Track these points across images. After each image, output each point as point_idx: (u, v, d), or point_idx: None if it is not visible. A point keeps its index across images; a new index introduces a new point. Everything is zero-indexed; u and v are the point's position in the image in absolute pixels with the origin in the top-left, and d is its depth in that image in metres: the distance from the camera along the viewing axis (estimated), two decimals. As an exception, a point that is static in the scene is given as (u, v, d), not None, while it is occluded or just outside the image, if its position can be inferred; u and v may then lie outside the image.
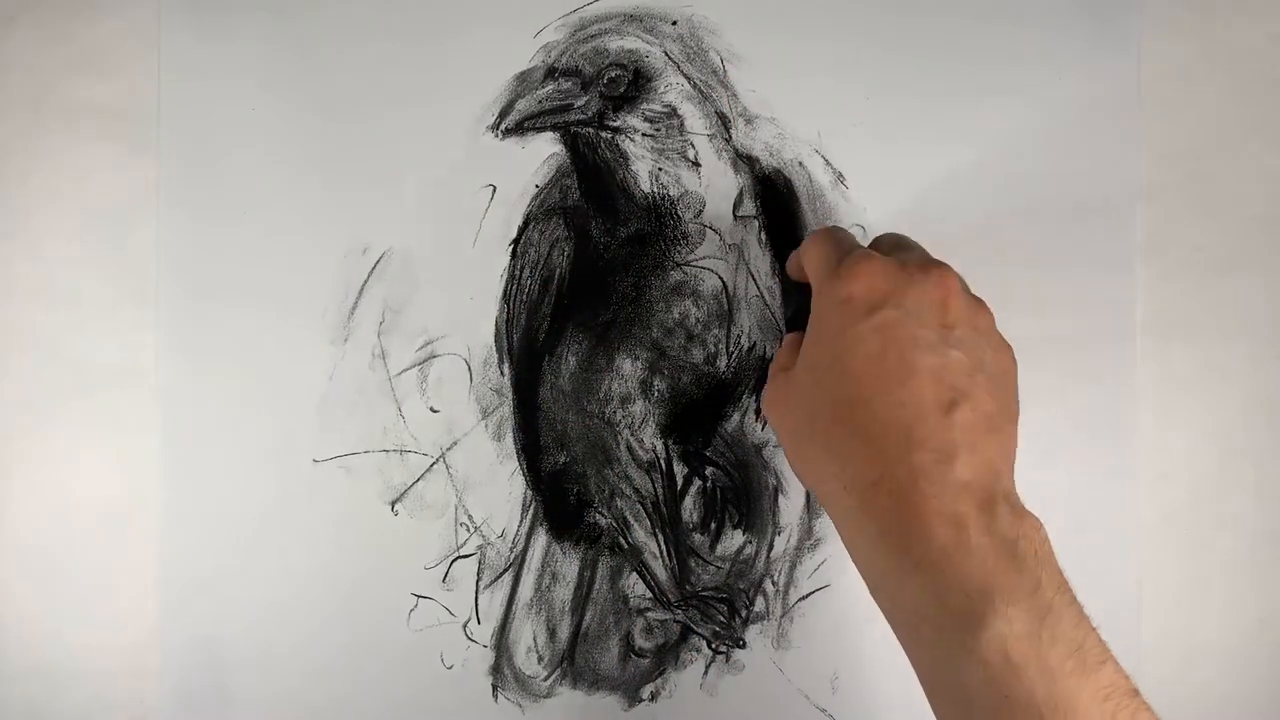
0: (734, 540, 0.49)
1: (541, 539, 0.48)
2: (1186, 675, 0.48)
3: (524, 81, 0.48)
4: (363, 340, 0.48)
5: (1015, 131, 0.48)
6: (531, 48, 0.48)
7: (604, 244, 0.48)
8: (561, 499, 0.48)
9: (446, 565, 0.48)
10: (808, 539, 0.48)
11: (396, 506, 0.48)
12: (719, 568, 0.49)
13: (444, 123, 0.48)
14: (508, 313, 0.48)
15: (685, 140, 0.47)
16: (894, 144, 0.48)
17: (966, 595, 0.34)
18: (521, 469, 0.48)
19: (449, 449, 0.48)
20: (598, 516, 0.49)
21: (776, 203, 0.48)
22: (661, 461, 0.48)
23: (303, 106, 0.48)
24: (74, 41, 0.49)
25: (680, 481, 0.49)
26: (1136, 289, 0.49)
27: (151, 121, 0.48)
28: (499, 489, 0.48)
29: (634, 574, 0.49)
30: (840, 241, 0.42)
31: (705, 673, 0.48)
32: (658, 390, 0.48)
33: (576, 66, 0.47)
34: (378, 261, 0.48)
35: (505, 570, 0.48)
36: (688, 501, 0.49)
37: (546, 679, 0.48)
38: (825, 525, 0.48)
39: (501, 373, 0.48)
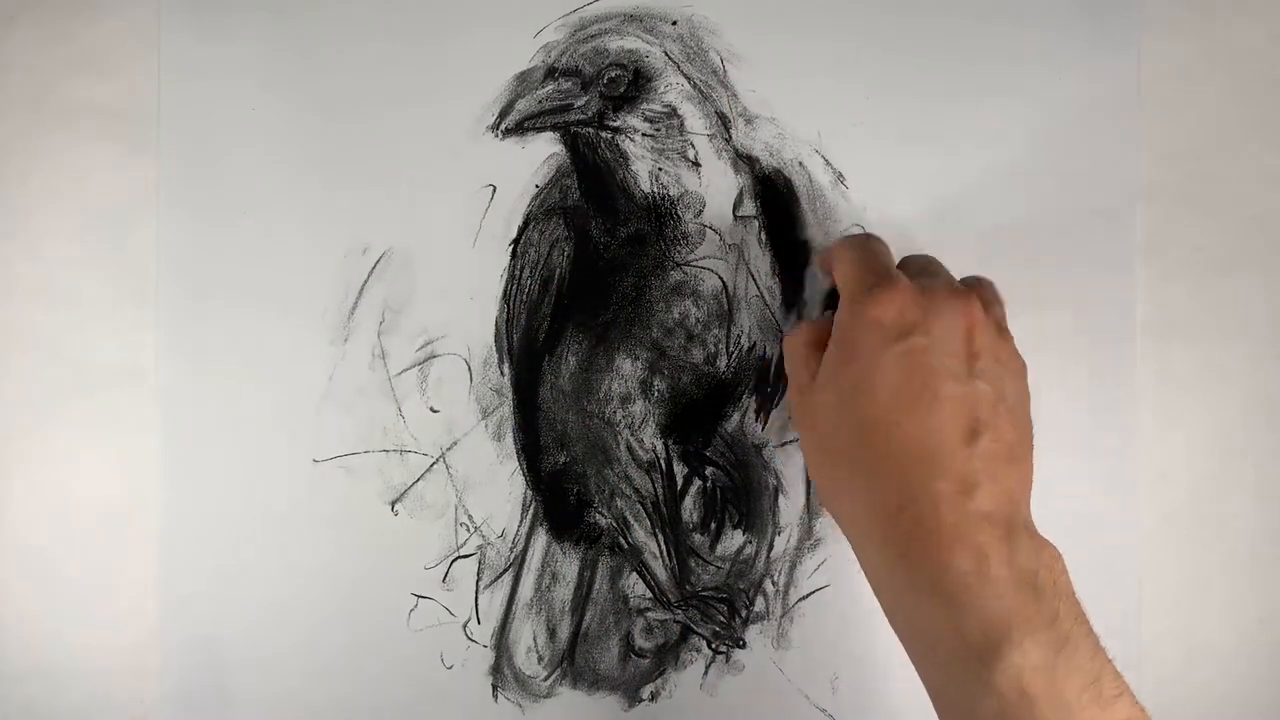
0: (734, 540, 0.49)
1: (541, 539, 0.48)
2: (1186, 675, 0.48)
3: (524, 81, 0.48)
4: (363, 340, 0.48)
5: (1015, 131, 0.48)
6: (531, 48, 0.48)
7: (604, 244, 0.48)
8: (561, 499, 0.48)
9: (446, 565, 0.48)
10: (808, 539, 0.48)
11: (396, 506, 0.48)
12: (719, 568, 0.49)
13: (444, 123, 0.48)
14: (508, 313, 0.48)
15: (685, 140, 0.47)
16: (894, 144, 0.48)
17: (984, 626, 0.34)
18: (521, 469, 0.48)
19: (449, 449, 0.48)
20: (598, 516, 0.49)
21: (776, 203, 0.48)
22: (661, 461, 0.48)
23: (303, 106, 0.48)
24: (74, 41, 0.49)
25: (680, 481, 0.49)
26: (1136, 289, 0.49)
27: (151, 121, 0.48)
28: (499, 489, 0.48)
29: (634, 574, 0.49)
30: (873, 260, 0.42)
31: (705, 673, 0.48)
32: (658, 390, 0.48)
33: (576, 66, 0.47)
34: (378, 261, 0.48)
35: (505, 570, 0.48)
36: (688, 501, 0.49)
37: (546, 679, 0.48)
38: (825, 525, 0.48)
39: (501, 373, 0.48)
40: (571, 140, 0.47)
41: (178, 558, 0.48)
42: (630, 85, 0.47)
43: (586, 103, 0.47)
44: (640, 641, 0.49)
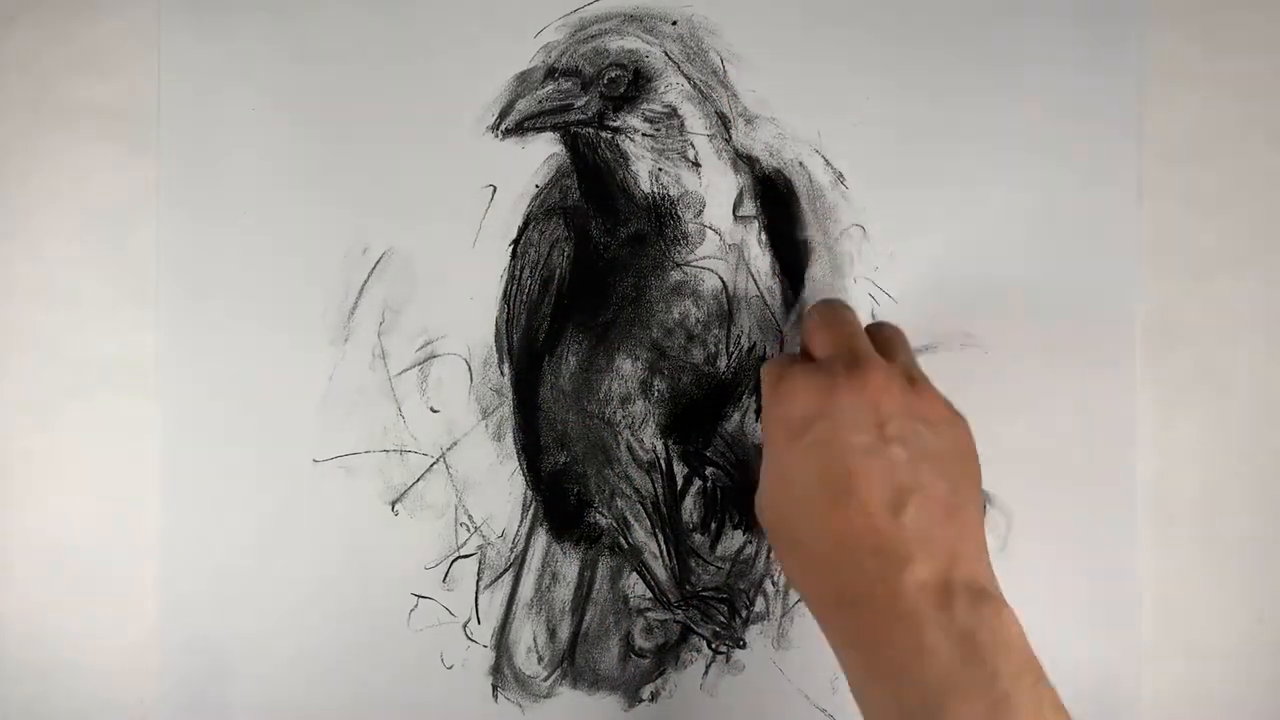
0: (734, 540, 0.49)
1: (541, 539, 0.48)
2: (1186, 675, 0.48)
3: (524, 81, 0.48)
4: (363, 340, 0.48)
5: (1015, 131, 0.48)
6: (531, 48, 0.48)
7: (604, 244, 0.48)
8: (561, 499, 0.48)
9: (446, 565, 0.48)
10: (808, 539, 0.48)
11: (396, 506, 0.48)
12: (719, 568, 0.49)
13: (444, 123, 0.48)
14: (508, 313, 0.48)
15: (685, 140, 0.47)
16: (894, 144, 0.48)
17: (923, 697, 0.34)
18: (521, 469, 0.48)
19: (449, 449, 0.48)
20: (598, 516, 0.49)
21: (776, 203, 0.48)
22: (661, 461, 0.48)
23: (303, 106, 0.48)
24: (74, 41, 0.49)
25: (680, 481, 0.49)
26: (1136, 289, 0.49)
27: (151, 121, 0.48)
28: (499, 489, 0.48)
29: (634, 574, 0.49)
30: (782, 357, 0.42)
31: (705, 673, 0.48)
32: (658, 390, 0.48)
33: (576, 66, 0.47)
34: (378, 261, 0.48)
35: (505, 570, 0.48)
36: (688, 501, 0.49)
37: (546, 679, 0.48)
38: (825, 525, 0.48)
39: (501, 373, 0.48)
40: (571, 140, 0.47)
41: (178, 558, 0.48)
42: (630, 85, 0.47)
43: (586, 103, 0.47)
44: (640, 641, 0.49)
